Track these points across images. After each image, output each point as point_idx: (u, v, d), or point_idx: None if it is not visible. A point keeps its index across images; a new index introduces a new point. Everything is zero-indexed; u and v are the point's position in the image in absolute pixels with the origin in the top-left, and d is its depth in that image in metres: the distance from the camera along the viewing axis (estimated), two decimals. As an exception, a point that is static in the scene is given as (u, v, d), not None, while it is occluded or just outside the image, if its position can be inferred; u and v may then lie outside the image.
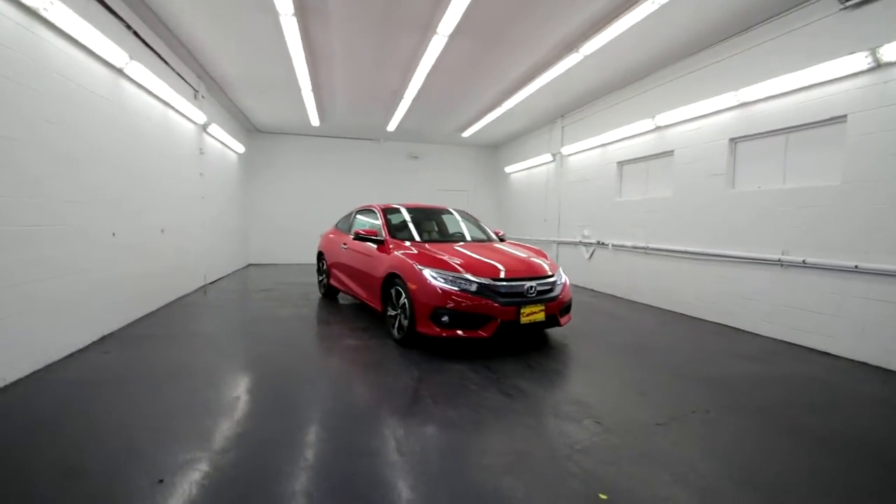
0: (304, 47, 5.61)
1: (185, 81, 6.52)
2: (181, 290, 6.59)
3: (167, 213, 5.95)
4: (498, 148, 12.95)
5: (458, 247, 4.71)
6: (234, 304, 6.24)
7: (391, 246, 4.82)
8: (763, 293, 5.00)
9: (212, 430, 2.52)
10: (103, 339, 4.25)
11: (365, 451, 2.31)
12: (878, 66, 3.91)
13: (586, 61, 5.91)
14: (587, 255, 8.31)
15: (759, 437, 2.63)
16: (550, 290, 4.22)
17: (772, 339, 4.83)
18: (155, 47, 5.40)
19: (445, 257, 4.17)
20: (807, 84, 4.50)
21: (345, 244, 5.91)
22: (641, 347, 4.47)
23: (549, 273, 4.33)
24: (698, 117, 5.86)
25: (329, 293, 6.76)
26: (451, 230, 5.47)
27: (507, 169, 12.00)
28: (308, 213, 11.77)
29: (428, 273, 4.00)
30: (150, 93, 5.36)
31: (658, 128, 6.56)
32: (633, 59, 6.17)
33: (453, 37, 5.29)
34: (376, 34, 5.48)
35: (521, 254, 4.72)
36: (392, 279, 4.46)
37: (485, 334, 3.86)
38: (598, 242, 7.97)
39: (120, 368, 3.49)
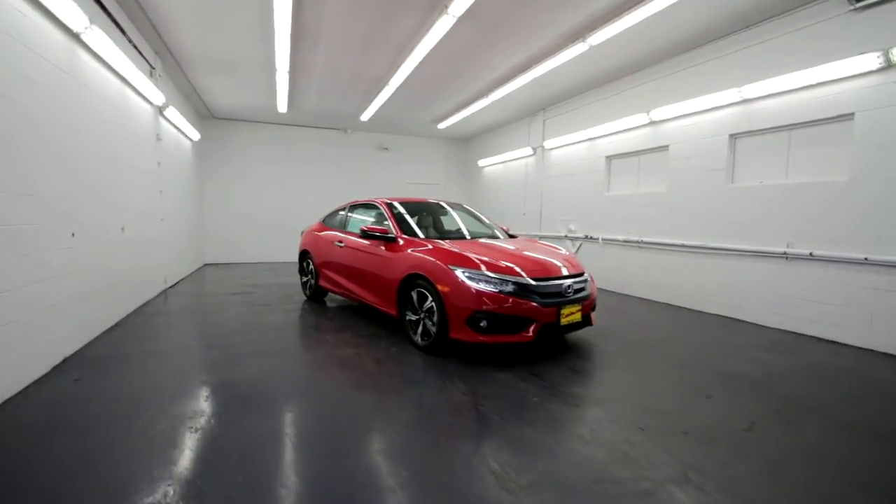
0: (291, 22, 4.98)
1: (143, 56, 5.62)
2: (143, 297, 5.72)
3: (127, 209, 5.10)
4: (469, 141, 12.70)
5: (477, 244, 4.39)
6: (208, 312, 5.49)
7: (403, 244, 4.40)
8: (766, 285, 5.15)
9: None
10: (65, 361, 3.50)
11: (473, 497, 1.95)
12: (889, 66, 4.07)
13: (582, 54, 5.80)
14: (573, 250, 8.29)
15: (849, 436, 2.58)
16: (584, 289, 4.04)
17: (776, 329, 4.98)
18: (113, 13, 4.56)
19: (475, 256, 3.84)
20: (814, 82, 4.63)
21: (340, 242, 5.39)
22: (665, 343, 4.42)
23: (582, 270, 4.14)
24: (697, 112, 5.93)
25: (316, 295, 6.18)
26: (460, 226, 5.13)
27: (481, 162, 11.79)
28: (271, 208, 10.88)
29: (462, 274, 3.65)
30: (108, 67, 4.52)
31: (653, 122, 6.60)
32: (628, 53, 6.13)
33: (462, 19, 4.92)
34: (375, 11, 4.98)
35: (546, 251, 4.49)
36: (412, 281, 4.07)
37: (529, 338, 3.59)
38: (587, 237, 7.97)
39: (95, 404, 2.83)
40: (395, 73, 6.80)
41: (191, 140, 8.79)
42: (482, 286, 3.58)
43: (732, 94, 5.39)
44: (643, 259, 6.86)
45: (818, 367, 3.77)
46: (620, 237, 7.22)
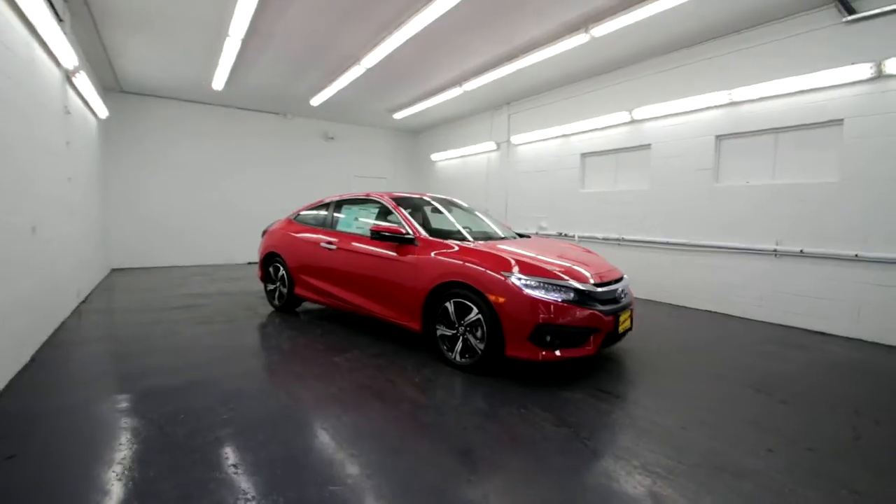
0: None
1: (50, 3, 4.23)
2: (56, 319, 4.36)
3: (36, 203, 3.79)
4: (419, 134, 12.10)
5: (503, 246, 3.88)
6: (154, 335, 4.30)
7: (422, 246, 3.79)
8: (755, 281, 5.39)
9: None
10: (-26, 427, 2.38)
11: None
12: (879, 76, 4.38)
13: (572, 49, 5.64)
14: (545, 248, 8.18)
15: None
16: (627, 294, 3.79)
17: (765, 322, 5.24)
18: (17, -72, 3.28)
19: (530, 260, 3.38)
20: (805, 88, 4.88)
21: (330, 244, 4.57)
22: (683, 344, 4.37)
23: (622, 273, 3.89)
24: (682, 113, 6.05)
25: (289, 305, 5.24)
26: (470, 225, 4.58)
27: (434, 156, 11.27)
28: (193, 203, 9.30)
29: (519, 281, 3.17)
30: (15, 8, 3.25)
31: (634, 121, 6.65)
32: (614, 51, 6.07)
33: (473, -7, 4.40)
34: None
35: (580, 252, 4.17)
36: (446, 290, 3.49)
37: (591, 350, 3.23)
38: (560, 234, 7.89)
39: None
40: (370, 51, 6.02)
41: (97, 118, 7.07)
42: (544, 295, 3.14)
43: (721, 97, 5.55)
44: (624, 256, 6.91)
45: (836, 363, 3.92)
46: (599, 235, 7.22)
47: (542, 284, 3.17)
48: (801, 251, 4.96)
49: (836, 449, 2.40)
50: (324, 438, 2.40)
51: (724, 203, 5.68)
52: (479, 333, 3.34)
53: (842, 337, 4.66)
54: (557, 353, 3.12)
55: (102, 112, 6.89)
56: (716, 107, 5.69)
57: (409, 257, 3.79)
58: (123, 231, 8.57)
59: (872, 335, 4.51)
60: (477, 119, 9.89)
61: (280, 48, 6.14)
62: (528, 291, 3.13)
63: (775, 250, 5.19)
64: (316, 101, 8.55)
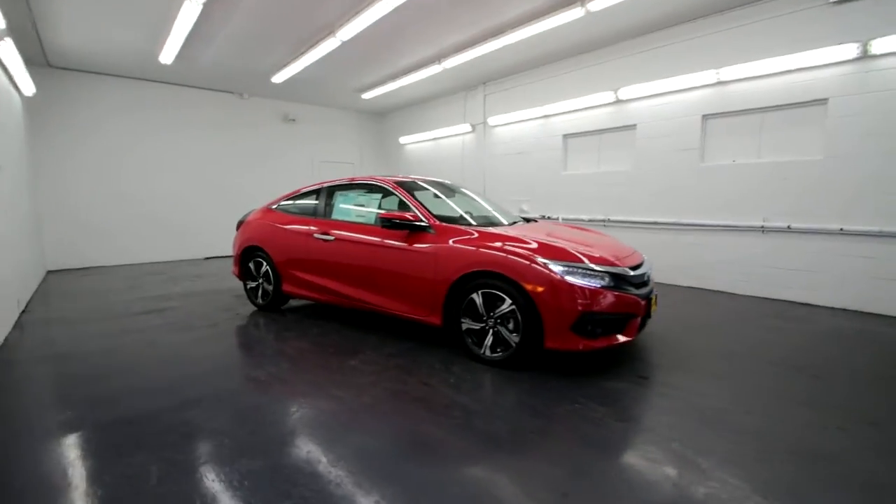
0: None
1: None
2: (-3, 335, 3.66)
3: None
4: (385, 116, 11.55)
5: (523, 232, 3.65)
6: (132, 350, 3.70)
7: (437, 234, 3.49)
8: (742, 257, 5.57)
9: None
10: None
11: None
12: (865, 56, 4.55)
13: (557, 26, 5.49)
14: (527, 231, 8.09)
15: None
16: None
17: (752, 297, 5.43)
18: None
19: (563, 244, 3.18)
20: (792, 68, 4.99)
21: (326, 234, 4.14)
22: (692, 327, 4.41)
23: (644, 256, 3.80)
24: (669, 93, 6.06)
25: (274, 303, 4.76)
26: (474, 210, 4.30)
27: (403, 139, 10.82)
28: (137, 193, 8.33)
29: (558, 268, 2.98)
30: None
31: (619, 101, 6.61)
32: (601, 29, 5.96)
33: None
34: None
35: (596, 235, 4.04)
36: (473, 280, 3.23)
37: (631, 336, 3.12)
38: (543, 216, 7.82)
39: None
40: (349, 21, 5.51)
41: (22, 95, 6.04)
42: (585, 282, 2.96)
43: (709, 76, 5.59)
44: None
45: (843, 333, 4.10)
46: (584, 216, 7.21)
47: (581, 271, 2.99)
48: (789, 227, 5.15)
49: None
50: (401, 470, 2.09)
51: (710, 182, 5.79)
52: (510, 325, 3.13)
53: (826, 307, 4.91)
54: (599, 342, 2.98)
55: (28, 88, 5.89)
56: (703, 86, 5.74)
57: (426, 247, 3.48)
58: (57, 227, 7.51)
59: (855, 304, 4.78)
60: (450, 100, 9.54)
61: (248, 15, 5.47)
62: (568, 279, 2.95)
63: (762, 227, 5.36)
64: (279, 77, 7.83)
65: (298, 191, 4.82)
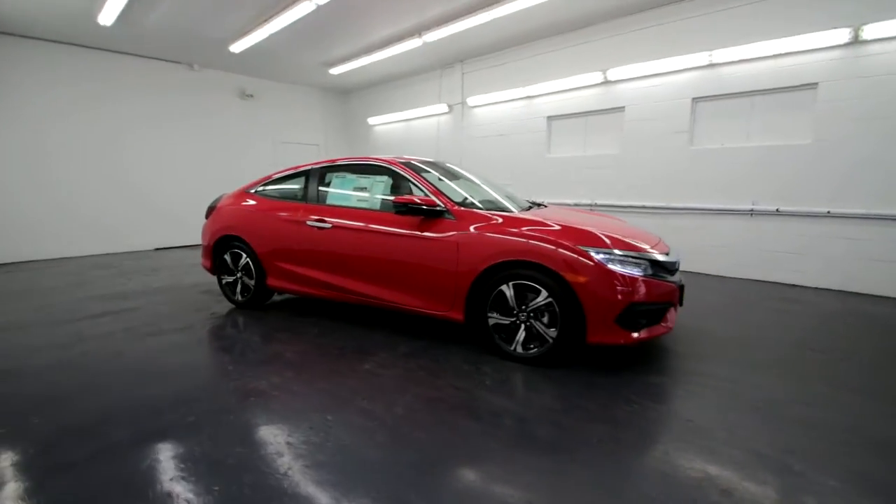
0: None
1: None
2: None
3: None
4: (351, 94, 10.85)
5: (545, 217, 3.37)
6: (86, 362, 3.09)
7: (457, 220, 3.16)
8: (731, 240, 5.65)
9: None
10: None
11: None
12: (855, 42, 4.62)
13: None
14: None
15: None
16: (674, 262, 3.58)
17: (742, 279, 5.54)
18: None
19: (597, 230, 2.94)
20: (783, 52, 5.02)
21: (322, 222, 3.67)
22: (702, 314, 4.38)
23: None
24: (658, 74, 5.98)
25: (256, 299, 4.23)
26: (483, 195, 3.95)
27: (372, 120, 10.22)
28: (77, 176, 7.29)
29: (600, 256, 2.74)
30: None
31: (607, 82, 6.47)
32: (591, 4, 5.76)
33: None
34: None
35: (615, 221, 3.86)
36: (503, 272, 2.93)
37: (670, 327, 2.97)
38: (540, 204, 7.61)
39: None
40: (328, -17, 4.94)
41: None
42: (629, 270, 2.75)
43: (701, 58, 5.54)
44: (596, 222, 6.88)
45: (844, 312, 4.20)
46: (570, 201, 7.08)
47: (622, 258, 2.77)
48: (777, 210, 5.25)
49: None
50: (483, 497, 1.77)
51: (699, 166, 5.81)
52: (545, 319, 2.87)
53: (812, 288, 5.07)
54: (643, 333, 2.79)
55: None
56: (693, 68, 5.70)
57: (448, 235, 3.13)
58: (-28, 216, 6.39)
59: (839, 284, 4.96)
60: (424, 78, 9.06)
61: (207, -30, 4.75)
62: (612, 267, 2.72)
63: (751, 210, 5.44)
64: (239, 46, 7.02)
65: (280, 173, 4.27)
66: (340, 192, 3.81)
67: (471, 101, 8.18)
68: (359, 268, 3.53)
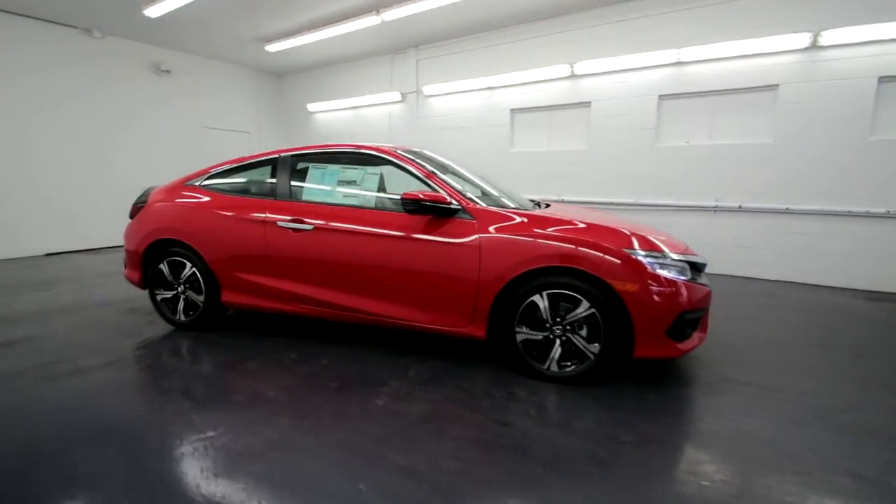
0: None
1: None
2: None
3: None
4: (289, 77, 9.78)
5: (570, 215, 3.00)
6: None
7: (478, 220, 2.70)
8: (695, 236, 5.75)
9: None
10: None
11: None
12: (814, 46, 4.87)
13: None
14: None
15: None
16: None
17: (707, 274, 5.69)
18: None
19: (637, 231, 2.64)
20: (748, 53, 5.17)
21: (301, 222, 2.99)
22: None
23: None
24: (626, 70, 5.95)
25: (205, 319, 3.41)
26: (484, 191, 3.51)
27: (313, 107, 9.29)
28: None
29: (648, 260, 2.45)
30: None
31: (574, 76, 6.33)
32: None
33: None
34: None
35: (626, 220, 3.60)
36: (535, 280, 2.54)
37: (705, 334, 2.78)
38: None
39: None
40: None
41: None
42: (675, 275, 2.49)
43: (668, 56, 5.58)
44: (563, 218, 6.77)
45: (819, 306, 4.39)
46: (535, 196, 6.85)
47: (668, 262, 2.51)
48: (740, 206, 5.45)
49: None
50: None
51: (665, 163, 5.88)
52: (583, 332, 2.53)
53: (771, 280, 5.34)
54: (689, 344, 2.56)
55: None
56: (660, 66, 5.72)
57: (469, 237, 2.66)
58: None
59: (795, 276, 5.26)
60: (373, 63, 8.36)
61: None
62: (661, 272, 2.44)
63: (715, 207, 5.61)
64: (156, 10, 5.84)
65: (234, 162, 3.47)
66: (322, 186, 3.15)
67: (427, 89, 7.67)
68: (352, 279, 2.93)
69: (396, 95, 8.03)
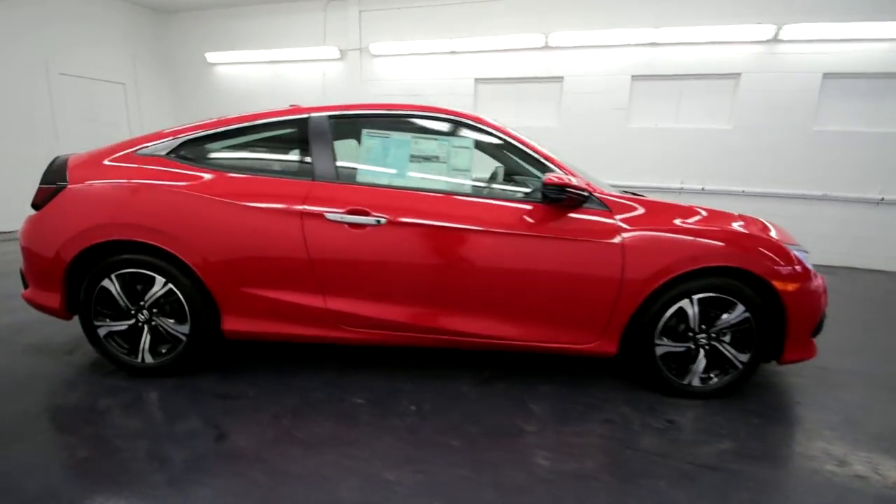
0: None
1: None
2: None
3: None
4: (170, 16, 7.63)
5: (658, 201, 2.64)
6: None
7: (613, 210, 2.19)
8: (661, 216, 6.03)
9: None
10: None
11: None
12: (775, 39, 5.23)
13: None
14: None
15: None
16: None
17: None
18: None
19: (740, 225, 2.40)
20: (717, 40, 5.39)
21: (363, 213, 2.09)
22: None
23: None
24: (601, 46, 5.79)
25: (188, 358, 2.29)
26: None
27: (213, 56, 7.45)
28: None
29: (801, 255, 2.24)
30: None
31: (548, 47, 5.98)
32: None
33: None
34: None
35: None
36: (685, 283, 2.14)
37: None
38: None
39: None
40: None
41: None
42: (815, 271, 2.32)
43: (644, 34, 5.55)
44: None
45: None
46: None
47: (807, 257, 2.33)
48: (703, 188, 5.78)
49: None
50: None
51: (635, 144, 5.96)
52: (727, 339, 2.23)
53: (725, 257, 5.81)
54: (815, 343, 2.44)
55: None
56: (635, 45, 5.69)
57: (609, 235, 2.12)
58: None
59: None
60: (301, 8, 6.92)
61: None
62: (811, 269, 2.24)
63: (681, 189, 5.87)
64: None
65: (226, 123, 2.31)
66: (388, 165, 2.26)
67: (374, 48, 6.61)
68: (447, 291, 2.17)
69: (334, 52, 6.80)
